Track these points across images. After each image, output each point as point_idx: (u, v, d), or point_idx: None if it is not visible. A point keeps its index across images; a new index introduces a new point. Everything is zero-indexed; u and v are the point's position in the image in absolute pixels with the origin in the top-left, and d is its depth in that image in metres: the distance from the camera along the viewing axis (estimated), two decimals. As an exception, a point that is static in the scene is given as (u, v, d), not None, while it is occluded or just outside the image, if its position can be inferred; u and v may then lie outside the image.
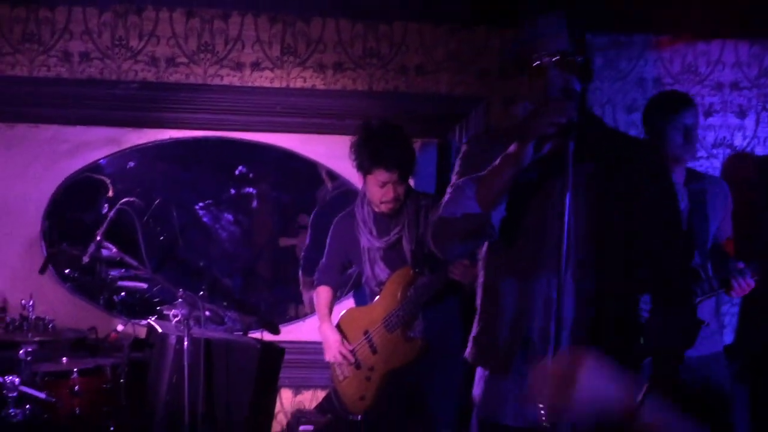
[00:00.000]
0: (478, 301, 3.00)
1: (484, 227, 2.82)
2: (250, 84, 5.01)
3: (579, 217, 2.77)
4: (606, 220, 2.83)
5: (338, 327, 4.49)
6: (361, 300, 4.73)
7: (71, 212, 5.38)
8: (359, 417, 4.39)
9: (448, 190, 2.94)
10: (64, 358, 4.24)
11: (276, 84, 5.03)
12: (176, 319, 4.12)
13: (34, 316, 3.98)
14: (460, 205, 2.86)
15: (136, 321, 4.78)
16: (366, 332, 4.38)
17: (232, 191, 5.68)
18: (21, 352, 3.79)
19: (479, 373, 3.03)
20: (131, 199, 4.48)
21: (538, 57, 2.76)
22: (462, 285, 4.07)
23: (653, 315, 2.94)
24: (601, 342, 2.73)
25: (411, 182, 4.44)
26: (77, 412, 4.00)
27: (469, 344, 3.02)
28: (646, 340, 2.91)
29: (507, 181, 2.76)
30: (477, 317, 3.01)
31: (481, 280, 3.00)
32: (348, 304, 5.00)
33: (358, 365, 4.39)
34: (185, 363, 4.03)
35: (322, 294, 4.55)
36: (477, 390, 3.03)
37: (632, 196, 2.86)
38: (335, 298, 4.64)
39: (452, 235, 2.90)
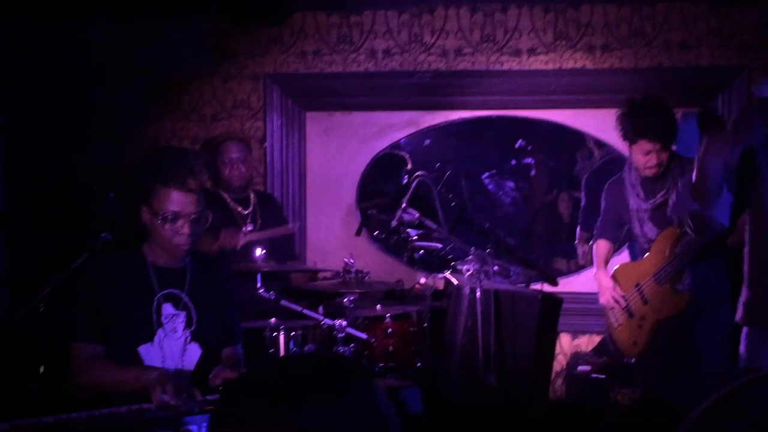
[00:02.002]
0: (746, 268, 2.86)
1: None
2: (527, 68, 5.03)
3: None
4: None
5: (612, 278, 4.44)
6: (634, 252, 4.65)
7: (378, 184, 5.60)
8: (632, 360, 4.33)
9: None
10: (378, 306, 4.42)
11: (550, 66, 5.02)
12: (468, 273, 4.18)
13: (354, 271, 4.20)
14: None
15: (435, 274, 4.96)
16: (637, 284, 4.30)
17: (513, 162, 5.73)
18: (345, 300, 4.01)
19: (745, 331, 2.91)
20: (424, 172, 4.62)
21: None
22: (726, 242, 3.90)
23: None
24: None
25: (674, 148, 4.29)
26: (390, 349, 4.17)
27: (739, 308, 2.89)
28: None
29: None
30: (745, 283, 2.87)
31: (747, 248, 2.86)
32: (623, 257, 4.91)
33: (630, 314, 4.32)
34: (478, 310, 4.09)
35: (601, 246, 4.52)
36: (743, 347, 2.91)
37: None
38: (612, 251, 4.60)
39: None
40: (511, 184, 5.85)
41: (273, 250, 4.24)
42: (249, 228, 4.51)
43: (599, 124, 5.10)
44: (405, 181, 5.57)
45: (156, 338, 2.93)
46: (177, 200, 2.84)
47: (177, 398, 2.60)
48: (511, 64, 5.06)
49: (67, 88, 5.22)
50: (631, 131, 4.11)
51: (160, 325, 2.94)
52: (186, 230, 2.86)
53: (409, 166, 5.72)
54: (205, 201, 2.92)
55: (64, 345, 2.93)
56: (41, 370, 3.74)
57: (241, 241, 4.30)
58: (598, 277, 4.45)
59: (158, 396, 2.60)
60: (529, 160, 5.88)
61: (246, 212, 4.59)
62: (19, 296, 4.07)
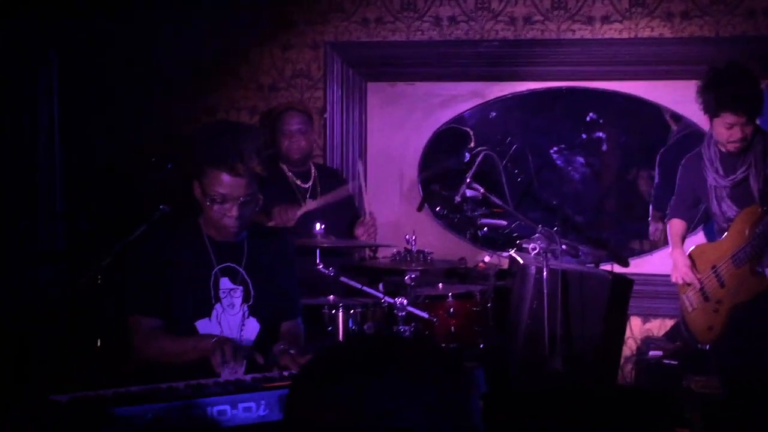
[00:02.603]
0: None
1: None
2: (600, 36, 4.97)
3: None
4: None
5: (688, 258, 4.39)
6: (710, 232, 4.58)
7: (440, 158, 5.60)
8: (707, 346, 4.28)
9: None
10: (440, 284, 4.45)
11: (624, 35, 4.95)
12: (535, 251, 4.17)
13: (416, 248, 4.22)
14: None
15: (500, 253, 4.95)
16: (714, 267, 4.24)
17: (584, 136, 5.67)
18: (406, 278, 4.03)
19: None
20: (485, 148, 4.59)
21: None
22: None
23: None
24: None
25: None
26: (452, 330, 4.19)
27: None
28: None
29: None
30: None
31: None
32: (698, 238, 4.84)
33: (706, 297, 4.27)
34: (544, 291, 4.08)
35: (675, 225, 4.48)
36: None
37: None
38: (687, 230, 4.54)
39: None
40: (580, 159, 5.79)
41: (332, 225, 4.27)
42: (311, 208, 4.55)
43: (676, 96, 5.02)
44: (467, 158, 5.55)
45: (213, 313, 2.99)
46: (226, 183, 2.87)
47: (236, 362, 2.66)
48: (583, 32, 5.00)
49: (124, 56, 5.31)
50: (713, 103, 4.04)
51: (217, 299, 3.00)
52: (234, 213, 2.90)
53: (472, 144, 5.71)
54: (259, 181, 2.93)
55: (122, 318, 3.01)
56: (98, 343, 3.85)
57: (298, 213, 4.32)
58: (674, 256, 4.41)
59: (218, 360, 2.67)
60: (600, 134, 5.82)
61: (306, 186, 4.62)
62: (77, 269, 4.18)
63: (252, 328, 3.05)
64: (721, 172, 4.21)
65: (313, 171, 4.69)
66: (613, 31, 4.96)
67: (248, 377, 2.65)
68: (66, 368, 4.12)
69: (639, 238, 5.79)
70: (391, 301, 3.77)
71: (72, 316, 4.35)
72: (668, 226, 4.54)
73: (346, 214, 4.70)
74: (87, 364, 3.94)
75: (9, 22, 4.83)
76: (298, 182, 4.63)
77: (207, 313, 2.98)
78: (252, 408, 2.40)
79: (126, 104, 5.31)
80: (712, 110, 4.06)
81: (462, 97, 5.32)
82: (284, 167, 4.60)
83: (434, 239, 5.13)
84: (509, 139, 5.57)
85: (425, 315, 3.90)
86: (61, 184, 5.18)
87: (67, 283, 4.79)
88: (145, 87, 5.31)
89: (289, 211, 4.29)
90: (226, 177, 2.86)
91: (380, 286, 4.08)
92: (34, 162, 5.10)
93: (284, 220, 4.28)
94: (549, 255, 4.13)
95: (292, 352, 2.84)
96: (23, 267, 4.87)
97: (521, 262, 4.45)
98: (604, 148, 5.90)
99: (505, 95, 5.31)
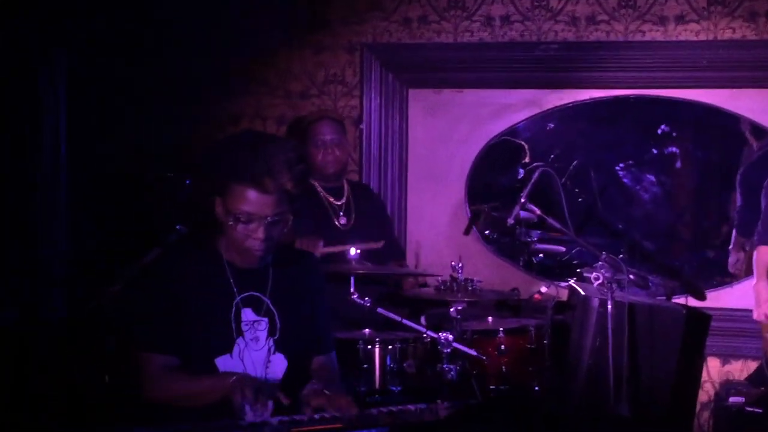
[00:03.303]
0: None
1: None
2: (674, 38, 4.96)
3: None
4: None
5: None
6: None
7: (490, 175, 5.58)
8: (797, 392, 4.20)
9: None
10: (490, 318, 4.42)
11: (702, 37, 4.92)
12: (598, 281, 4.13)
13: (462, 277, 4.19)
14: None
15: (558, 283, 4.90)
16: (804, 302, 4.17)
17: (654, 151, 5.62)
18: (452, 310, 3.99)
19: None
20: (542, 164, 4.56)
21: None
22: None
23: None
24: None
25: None
26: (503, 370, 4.14)
27: None
28: None
29: None
30: None
31: None
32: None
33: (795, 336, 4.20)
34: (609, 327, 4.03)
35: (762, 253, 4.45)
36: None
37: None
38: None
39: None
40: (650, 177, 5.74)
41: (370, 249, 4.26)
42: (342, 221, 4.53)
43: (761, 106, 4.98)
44: (521, 175, 5.53)
45: (235, 348, 2.97)
46: (252, 200, 2.85)
47: (259, 403, 2.64)
48: (654, 34, 4.98)
49: (138, 58, 5.35)
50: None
51: (239, 333, 2.98)
52: (260, 234, 2.88)
53: (527, 159, 5.68)
54: (290, 199, 2.90)
55: (132, 353, 2.99)
56: (106, 379, 3.85)
57: (317, 253, 4.27)
58: (758, 289, 4.38)
59: (238, 402, 2.64)
60: (673, 149, 5.76)
61: (339, 203, 4.62)
62: (82, 294, 4.19)
63: (279, 365, 3.02)
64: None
65: (346, 187, 4.69)
66: (688, 33, 4.93)
67: (275, 420, 2.64)
68: (69, 406, 4.12)
69: (718, 268, 5.72)
70: (435, 336, 3.73)
71: (76, 346, 4.36)
72: (755, 253, 4.49)
73: (383, 237, 4.68)
74: (93, 402, 3.94)
75: (10, 20, 4.88)
76: (331, 199, 4.62)
77: (228, 348, 2.96)
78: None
79: (140, 111, 5.34)
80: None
81: (516, 107, 5.30)
82: (315, 183, 4.59)
83: (483, 266, 5.11)
84: (564, 153, 5.53)
85: (473, 352, 3.86)
86: (66, 199, 5.21)
87: (69, 308, 4.82)
88: (161, 92, 5.35)
89: (310, 244, 4.25)
90: (252, 193, 2.84)
91: (422, 319, 4.05)
92: (38, 174, 5.15)
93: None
94: (614, 286, 4.09)
95: (327, 392, 2.81)
96: (24, 285, 4.91)
97: (582, 293, 4.40)
98: (678, 164, 5.84)
99: (564, 104, 5.29)
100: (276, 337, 3.02)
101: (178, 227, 3.40)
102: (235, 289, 3.00)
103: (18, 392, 4.27)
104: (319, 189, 4.61)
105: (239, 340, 2.97)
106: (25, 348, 4.50)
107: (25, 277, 4.94)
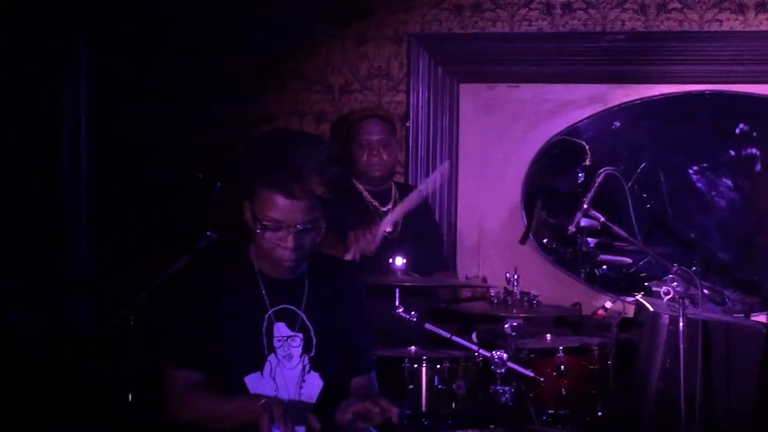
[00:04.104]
0: None
1: None
2: (755, 28, 4.95)
3: None
4: None
5: None
6: None
7: (548, 178, 5.56)
8: None
9: None
10: (548, 335, 4.41)
11: (789, 26, 4.88)
12: (668, 296, 4.13)
13: (518, 290, 4.17)
14: None
15: (624, 297, 4.87)
16: None
17: (732, 153, 5.55)
18: (506, 326, 3.97)
19: None
20: (610, 168, 4.53)
21: None
22: None
23: None
24: None
25: None
26: (563, 392, 4.12)
27: None
28: None
29: None
30: None
31: None
32: None
33: None
34: (681, 346, 4.02)
35: None
36: None
37: None
38: None
39: None
40: (727, 181, 5.67)
41: (416, 259, 4.25)
42: (388, 229, 4.52)
43: None
44: (582, 179, 5.49)
45: (267, 366, 2.97)
46: (280, 206, 2.85)
47: (287, 429, 2.64)
48: (732, 23, 4.97)
49: (164, 52, 5.40)
50: None
51: (271, 349, 2.98)
52: (290, 243, 2.88)
53: (589, 161, 5.64)
54: (323, 205, 2.90)
55: (158, 368, 3.02)
56: (129, 398, 3.88)
57: (379, 232, 4.29)
58: None
59: (266, 426, 2.65)
60: (753, 150, 5.69)
61: (386, 209, 4.63)
62: (107, 304, 4.23)
63: (314, 385, 3.03)
64: None
65: (393, 191, 4.70)
66: (770, 22, 4.90)
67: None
68: (90, 426, 4.16)
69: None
70: (488, 354, 3.74)
71: (99, 361, 4.39)
72: None
73: (431, 245, 4.68)
74: (115, 421, 3.97)
75: (30, 20, 4.96)
76: (376, 204, 4.63)
77: (259, 366, 2.97)
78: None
79: (167, 109, 5.38)
80: None
81: (577, 103, 5.30)
82: (360, 186, 4.61)
83: (541, 279, 5.10)
84: (631, 154, 5.49)
85: (530, 373, 3.86)
86: (88, 203, 5.28)
87: (92, 320, 4.87)
88: (190, 88, 5.39)
89: (367, 234, 4.26)
90: (280, 199, 2.85)
91: (474, 335, 4.06)
92: (62, 177, 5.22)
93: (365, 246, 4.25)
94: (686, 301, 4.09)
95: (361, 408, 2.81)
96: (44, 296, 4.97)
97: (651, 309, 4.39)
98: (758, 168, 5.76)
99: (631, 101, 5.28)
100: (311, 355, 3.02)
101: (208, 233, 3.43)
102: (267, 302, 3.00)
103: (39, 400, 4.33)
104: (365, 193, 4.62)
105: (271, 357, 2.97)
106: (49, 356, 4.57)
107: (52, 284, 5.01)
